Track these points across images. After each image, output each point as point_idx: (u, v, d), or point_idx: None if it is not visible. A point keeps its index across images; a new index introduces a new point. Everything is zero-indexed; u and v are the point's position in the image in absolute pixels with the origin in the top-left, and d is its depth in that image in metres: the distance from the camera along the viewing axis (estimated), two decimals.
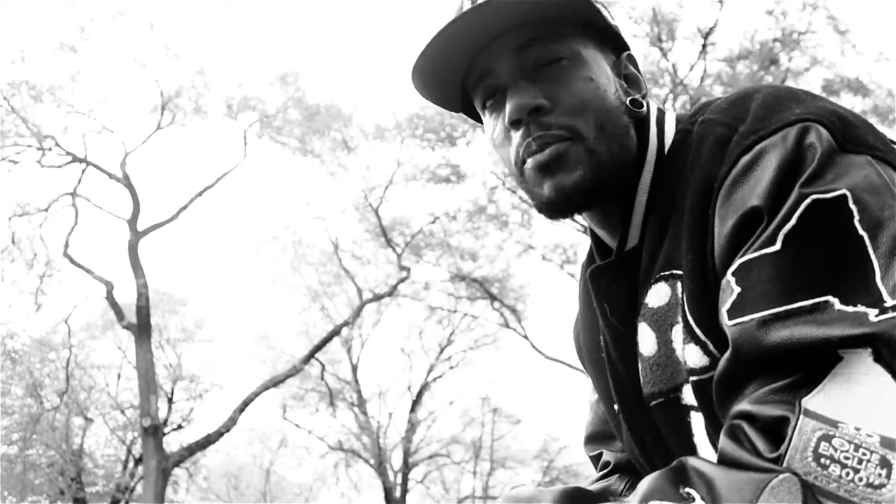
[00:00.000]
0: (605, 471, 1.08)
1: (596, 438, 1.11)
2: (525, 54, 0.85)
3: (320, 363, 16.52)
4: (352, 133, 14.06)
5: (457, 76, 0.90)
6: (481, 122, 0.95)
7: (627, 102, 0.88)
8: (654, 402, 0.84)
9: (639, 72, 0.93)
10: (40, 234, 12.61)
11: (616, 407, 0.94)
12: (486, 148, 13.88)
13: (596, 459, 1.11)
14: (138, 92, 13.82)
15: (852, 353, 0.61)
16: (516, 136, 0.85)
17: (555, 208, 0.86)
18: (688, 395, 0.80)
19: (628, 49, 0.93)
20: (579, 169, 0.83)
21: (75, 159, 12.48)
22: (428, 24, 0.89)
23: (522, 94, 0.83)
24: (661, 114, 0.92)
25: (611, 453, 1.08)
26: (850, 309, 0.63)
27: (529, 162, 0.84)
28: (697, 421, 0.80)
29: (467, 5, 0.86)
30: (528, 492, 0.72)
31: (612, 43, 0.91)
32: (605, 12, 0.90)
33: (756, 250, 0.68)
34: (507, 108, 0.84)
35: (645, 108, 0.89)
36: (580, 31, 0.87)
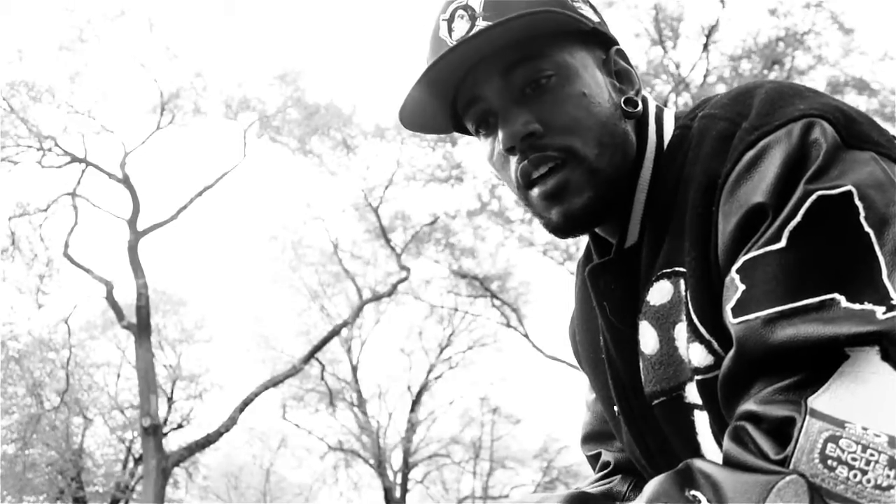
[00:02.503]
0: (606, 471, 1.06)
1: (594, 438, 1.10)
2: (512, 76, 0.83)
3: (320, 363, 16.53)
4: (352, 133, 14.06)
5: (445, 104, 0.89)
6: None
7: (622, 103, 0.86)
8: (656, 402, 0.84)
9: (630, 65, 0.90)
10: (40, 234, 12.61)
11: (616, 407, 0.93)
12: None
13: (594, 459, 1.10)
14: (138, 92, 13.88)
15: (859, 352, 0.61)
16: (513, 160, 0.84)
17: (565, 231, 0.86)
18: (691, 394, 0.79)
19: (616, 43, 0.90)
20: (586, 192, 0.82)
21: (75, 159, 12.48)
22: (427, 23, 0.88)
23: (513, 121, 0.82)
24: (659, 110, 0.90)
25: (610, 453, 1.07)
26: (857, 307, 0.62)
27: (535, 191, 0.84)
28: (701, 419, 0.79)
29: (444, 34, 0.84)
30: (534, 497, 0.72)
31: (600, 40, 0.88)
32: (587, 12, 0.87)
33: (761, 247, 0.67)
34: (500, 136, 0.83)
35: (640, 106, 0.87)
36: (565, 39, 0.84)
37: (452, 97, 0.87)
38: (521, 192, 0.86)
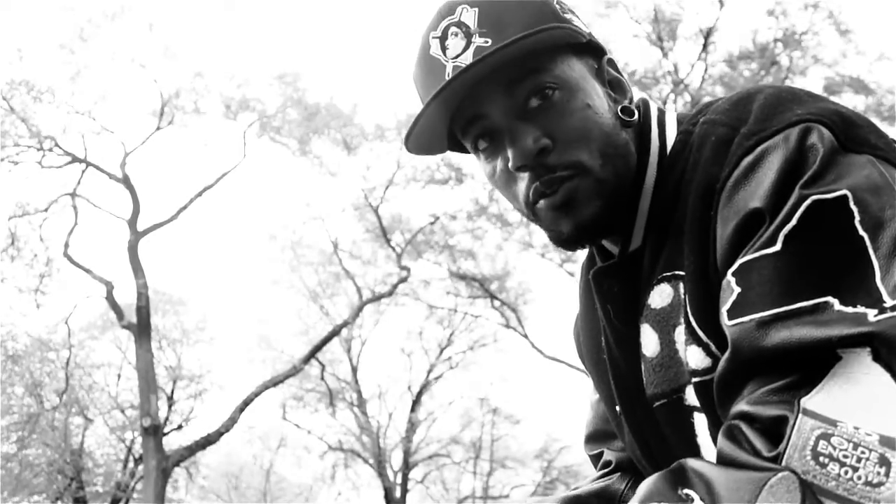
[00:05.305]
0: (606, 470, 1.08)
1: (596, 437, 1.11)
2: (515, 92, 0.81)
3: (320, 363, 16.51)
4: (352, 133, 14.03)
5: (443, 125, 0.86)
6: (467, 151, 0.92)
7: (619, 112, 0.86)
8: (657, 403, 0.85)
9: (620, 74, 0.90)
10: (40, 234, 12.58)
11: (618, 408, 0.94)
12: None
13: (596, 458, 1.11)
14: (138, 92, 13.82)
15: (851, 353, 0.62)
16: (523, 178, 0.83)
17: (576, 242, 0.86)
18: (691, 396, 0.80)
19: (606, 53, 0.90)
20: (593, 202, 0.82)
21: (75, 160, 12.46)
22: (416, 36, 0.87)
23: (523, 137, 0.81)
24: (661, 114, 0.91)
25: (612, 452, 1.08)
26: (850, 309, 0.63)
27: (542, 203, 0.83)
28: (701, 422, 0.81)
29: (437, 52, 0.83)
30: (532, 500, 0.73)
31: (592, 51, 0.88)
32: (579, 23, 0.87)
33: (756, 251, 0.68)
34: (510, 154, 0.81)
35: (636, 115, 0.87)
36: (563, 52, 0.84)
37: (450, 116, 0.85)
38: (528, 209, 0.85)
